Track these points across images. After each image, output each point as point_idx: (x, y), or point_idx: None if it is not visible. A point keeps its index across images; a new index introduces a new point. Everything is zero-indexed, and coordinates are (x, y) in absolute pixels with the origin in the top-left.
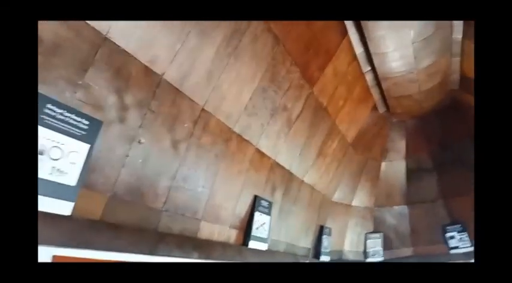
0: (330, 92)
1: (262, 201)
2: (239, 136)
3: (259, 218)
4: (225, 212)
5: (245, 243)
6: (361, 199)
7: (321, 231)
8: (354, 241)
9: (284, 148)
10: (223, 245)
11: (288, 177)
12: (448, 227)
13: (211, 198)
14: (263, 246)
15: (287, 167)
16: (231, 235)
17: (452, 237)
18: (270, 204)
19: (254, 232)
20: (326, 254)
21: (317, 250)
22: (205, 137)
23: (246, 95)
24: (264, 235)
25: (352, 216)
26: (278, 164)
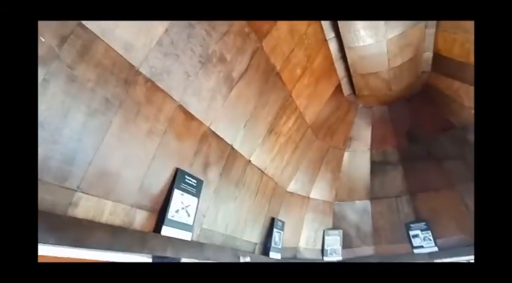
0: (284, 53)
1: (187, 178)
2: (149, 81)
3: (180, 198)
4: (123, 185)
5: (157, 229)
6: (320, 191)
7: (271, 224)
8: (310, 238)
9: (222, 114)
10: (120, 230)
11: (230, 153)
12: (411, 225)
13: (97, 160)
14: (185, 235)
15: (228, 140)
16: (135, 217)
17: (416, 236)
18: (200, 182)
19: (171, 215)
20: (277, 251)
21: (266, 246)
22: (84, 67)
23: (160, 25)
24: (187, 221)
25: (310, 210)
26: (214, 134)
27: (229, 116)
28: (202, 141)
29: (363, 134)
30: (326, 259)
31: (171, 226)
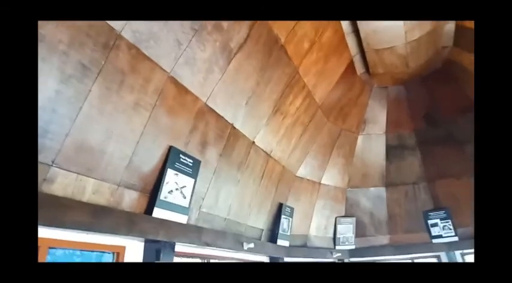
0: (288, 24)
1: (182, 157)
2: (134, 47)
3: (174, 179)
4: (108, 162)
5: (149, 210)
6: (332, 177)
7: (279, 210)
8: (321, 226)
9: (221, 89)
10: (104, 210)
11: (231, 133)
12: (430, 213)
13: (75, 133)
14: (180, 218)
15: (228, 119)
16: (124, 197)
17: (434, 225)
18: (196, 162)
19: (164, 196)
20: (285, 238)
21: (274, 232)
22: (53, 26)
23: None
24: (183, 203)
25: (321, 196)
26: (212, 110)
27: (228, 91)
28: (198, 118)
29: (377, 117)
30: (338, 247)
31: (163, 208)
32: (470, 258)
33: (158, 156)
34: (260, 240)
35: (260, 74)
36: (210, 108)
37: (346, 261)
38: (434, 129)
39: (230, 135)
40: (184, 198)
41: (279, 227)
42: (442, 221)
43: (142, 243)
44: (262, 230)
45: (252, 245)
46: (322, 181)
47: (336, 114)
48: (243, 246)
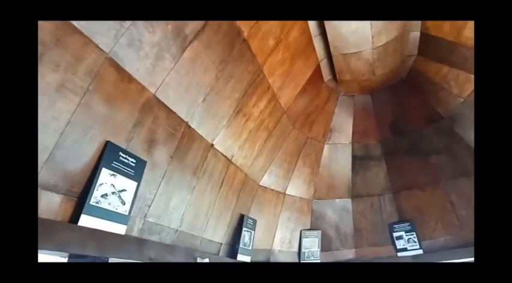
0: None
1: (123, 155)
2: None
3: (110, 180)
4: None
5: (75, 218)
6: (297, 187)
7: (240, 222)
8: (285, 239)
9: (173, 80)
10: None
11: (185, 132)
12: (395, 226)
13: None
14: (117, 228)
15: (181, 115)
16: (40, 201)
17: (399, 237)
18: (141, 163)
19: (95, 201)
20: (246, 253)
21: (234, 247)
22: None
23: None
24: (121, 210)
25: (285, 208)
26: (162, 104)
27: (182, 84)
28: (144, 111)
29: (344, 126)
30: (303, 263)
31: (94, 216)
32: None
33: (90, 151)
34: (218, 255)
35: (220, 68)
36: (160, 101)
37: None
38: (400, 139)
39: (184, 135)
40: (124, 204)
41: (239, 241)
42: (407, 233)
43: (66, 259)
44: (221, 244)
45: (207, 260)
46: (287, 192)
47: (302, 121)
48: (196, 261)
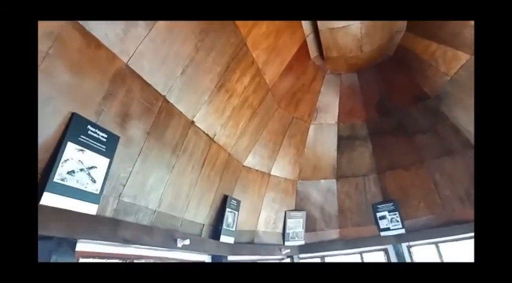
0: None
1: (91, 129)
2: None
3: (78, 156)
4: None
5: (37, 196)
6: (282, 168)
7: (224, 202)
8: (270, 220)
9: (147, 48)
10: None
11: (162, 107)
12: (379, 206)
13: None
14: (87, 207)
15: (158, 88)
16: None
17: (383, 217)
18: (113, 138)
19: (60, 177)
20: (230, 234)
21: (216, 228)
22: None
23: None
24: (91, 188)
25: (270, 189)
26: (136, 75)
27: (158, 53)
28: (116, 81)
29: (330, 105)
30: (287, 243)
31: (58, 193)
32: (416, 250)
33: (53, 124)
34: (200, 236)
35: (200, 38)
36: (134, 71)
37: (296, 258)
38: (386, 119)
39: (162, 110)
40: (94, 182)
41: (222, 222)
42: (390, 213)
43: None
44: (203, 225)
45: (187, 242)
46: (271, 173)
47: (288, 100)
48: (176, 243)
